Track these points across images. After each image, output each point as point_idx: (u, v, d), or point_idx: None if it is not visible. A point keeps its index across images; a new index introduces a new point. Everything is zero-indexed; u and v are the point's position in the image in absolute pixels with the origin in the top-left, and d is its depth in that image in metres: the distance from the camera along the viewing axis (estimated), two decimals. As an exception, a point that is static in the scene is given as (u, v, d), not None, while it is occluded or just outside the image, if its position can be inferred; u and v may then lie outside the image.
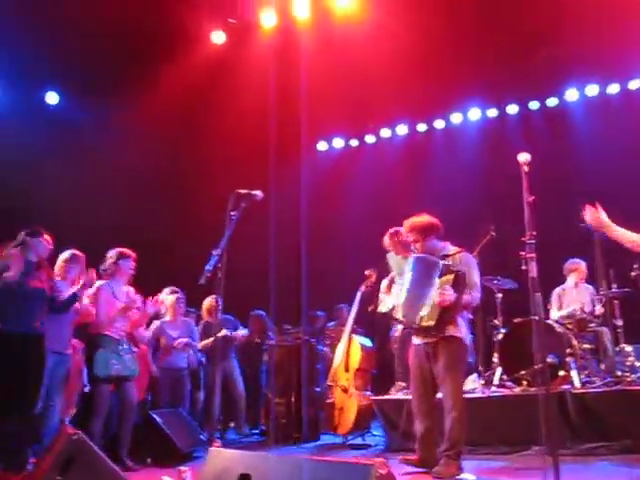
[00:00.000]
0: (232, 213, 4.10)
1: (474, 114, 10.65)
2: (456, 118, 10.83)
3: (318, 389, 7.70)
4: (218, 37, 9.53)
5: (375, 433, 7.04)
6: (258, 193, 4.22)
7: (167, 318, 6.94)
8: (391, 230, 6.70)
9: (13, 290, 4.51)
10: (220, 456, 2.86)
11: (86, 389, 5.89)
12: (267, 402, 7.63)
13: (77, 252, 5.48)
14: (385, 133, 11.38)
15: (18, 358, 4.53)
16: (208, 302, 7.37)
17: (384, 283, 6.76)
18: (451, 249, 4.92)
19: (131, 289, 5.80)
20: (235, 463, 2.77)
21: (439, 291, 4.56)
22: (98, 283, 5.64)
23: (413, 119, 11.13)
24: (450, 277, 4.61)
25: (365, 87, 9.47)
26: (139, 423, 5.86)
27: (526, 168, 4.00)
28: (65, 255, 5.37)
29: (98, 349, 5.41)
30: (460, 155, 10.44)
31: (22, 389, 4.63)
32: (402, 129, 11.26)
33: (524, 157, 4.03)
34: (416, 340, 4.92)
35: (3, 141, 8.91)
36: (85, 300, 5.58)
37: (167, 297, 6.94)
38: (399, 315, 4.89)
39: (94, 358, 5.38)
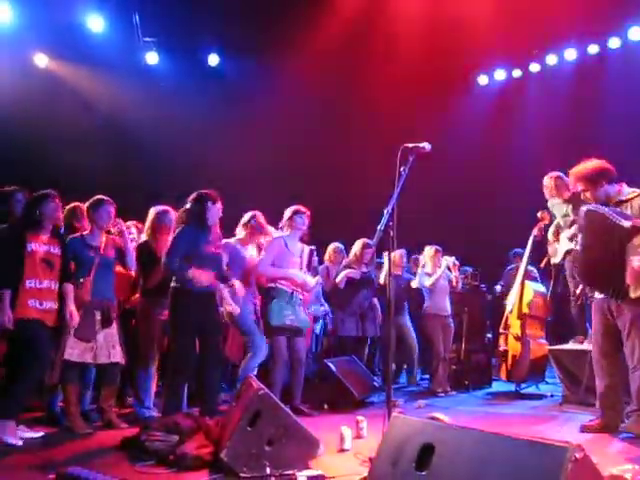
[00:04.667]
0: (401, 168, 3.97)
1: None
2: (635, 34, 9.57)
3: (489, 335, 7.54)
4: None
5: (549, 382, 6.83)
6: (426, 145, 4.04)
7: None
8: (552, 174, 6.28)
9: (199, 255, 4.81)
10: (404, 423, 2.87)
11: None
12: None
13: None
14: (551, 60, 10.47)
15: (206, 313, 4.89)
16: (394, 256, 7.45)
17: (550, 231, 6.41)
18: (627, 192, 4.45)
19: (306, 248, 5.87)
20: (418, 432, 2.76)
21: (634, 257, 4.09)
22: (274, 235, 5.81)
23: (583, 40, 10.09)
24: None
25: (526, 7, 8.74)
26: (315, 370, 6.07)
27: None
28: None
29: (273, 299, 5.57)
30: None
31: (218, 341, 5.06)
32: (571, 53, 10.24)
33: None
34: (599, 294, 4.59)
35: (169, 102, 9.41)
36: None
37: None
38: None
39: (269, 308, 5.53)
